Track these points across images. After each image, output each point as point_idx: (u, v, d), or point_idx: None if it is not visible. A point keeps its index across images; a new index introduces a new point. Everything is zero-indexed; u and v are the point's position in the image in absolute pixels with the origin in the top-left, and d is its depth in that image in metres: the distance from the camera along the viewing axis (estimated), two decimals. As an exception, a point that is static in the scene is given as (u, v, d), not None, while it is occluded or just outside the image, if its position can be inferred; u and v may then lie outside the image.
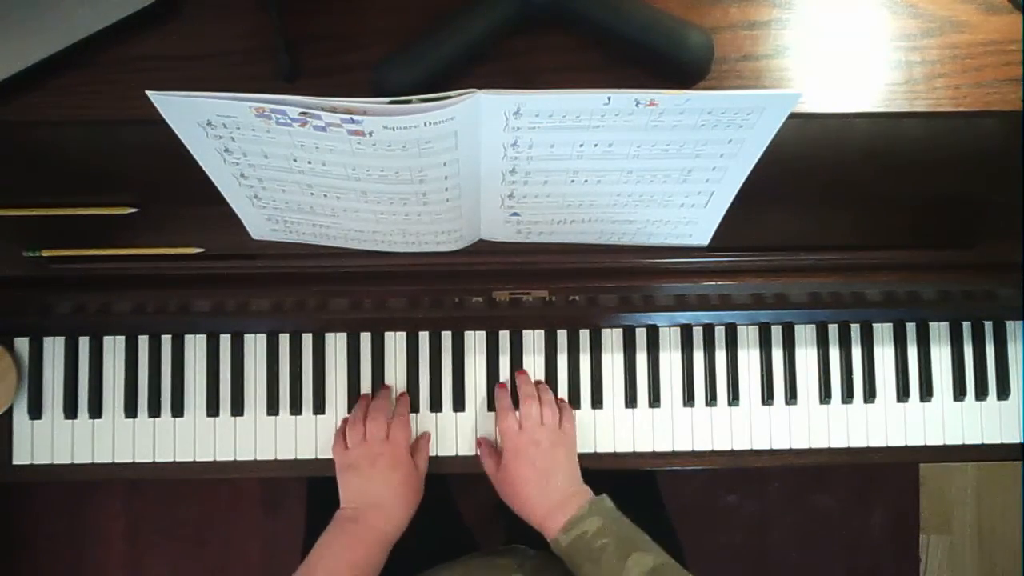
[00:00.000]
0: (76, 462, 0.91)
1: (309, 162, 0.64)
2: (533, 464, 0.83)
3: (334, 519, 0.84)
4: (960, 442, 0.95)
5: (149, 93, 0.57)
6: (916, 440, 0.95)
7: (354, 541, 0.81)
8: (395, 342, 0.93)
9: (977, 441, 0.95)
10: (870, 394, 0.94)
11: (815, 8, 0.71)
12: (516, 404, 0.90)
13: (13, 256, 0.78)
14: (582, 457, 0.88)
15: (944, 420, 0.95)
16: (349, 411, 0.92)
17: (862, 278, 0.83)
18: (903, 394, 0.95)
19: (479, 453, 0.90)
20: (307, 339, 0.93)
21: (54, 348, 0.91)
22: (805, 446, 0.94)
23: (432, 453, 0.92)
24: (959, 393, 0.95)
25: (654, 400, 0.94)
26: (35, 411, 0.91)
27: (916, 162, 0.78)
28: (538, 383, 0.92)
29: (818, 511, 1.71)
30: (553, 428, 0.86)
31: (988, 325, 0.95)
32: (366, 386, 0.93)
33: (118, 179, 0.76)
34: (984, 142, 0.77)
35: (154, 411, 0.91)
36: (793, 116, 0.62)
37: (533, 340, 0.94)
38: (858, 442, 0.94)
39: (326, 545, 0.81)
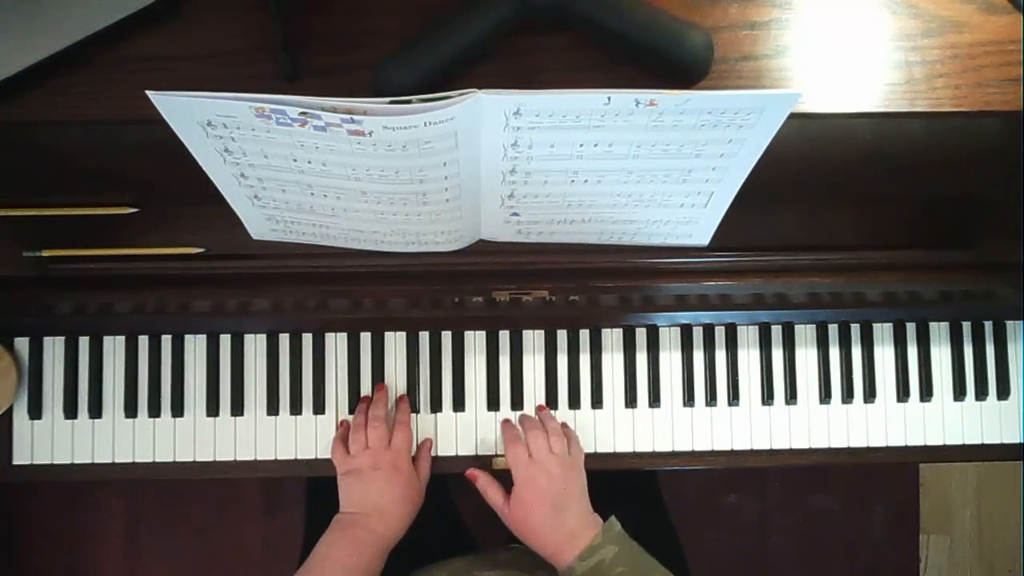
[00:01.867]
0: (76, 462, 0.91)
1: (309, 162, 0.64)
2: (546, 497, 0.81)
3: (333, 522, 0.84)
4: (960, 442, 0.95)
5: (149, 93, 0.57)
6: (916, 440, 0.95)
7: (353, 545, 0.81)
8: (395, 342, 0.93)
9: (977, 441, 0.95)
10: (870, 394, 0.94)
11: (815, 8, 0.71)
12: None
13: (13, 256, 0.78)
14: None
15: (944, 420, 0.95)
16: (349, 411, 0.92)
17: (862, 278, 0.83)
18: (903, 394, 0.95)
19: (478, 486, 0.86)
20: (307, 339, 0.93)
21: (54, 348, 0.91)
22: (805, 446, 0.94)
23: (432, 454, 0.92)
24: (959, 393, 0.95)
25: (654, 400, 0.94)
26: (35, 411, 0.91)
27: (916, 162, 0.78)
28: (540, 408, 0.91)
29: (818, 511, 1.71)
30: (563, 456, 0.84)
31: (988, 325, 0.95)
32: (366, 386, 0.93)
33: (118, 179, 0.76)
34: (984, 142, 0.77)
35: (154, 411, 0.91)
36: (793, 116, 0.62)
37: (533, 340, 0.94)
38: (858, 442, 0.94)
39: (325, 548, 0.81)
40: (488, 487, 0.85)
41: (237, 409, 0.92)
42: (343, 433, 0.89)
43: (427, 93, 0.57)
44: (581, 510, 0.82)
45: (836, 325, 0.95)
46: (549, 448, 0.84)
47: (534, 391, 0.93)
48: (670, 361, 0.94)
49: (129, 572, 1.67)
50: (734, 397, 0.94)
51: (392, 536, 0.83)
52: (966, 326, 0.95)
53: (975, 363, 0.95)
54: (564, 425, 0.90)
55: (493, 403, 0.93)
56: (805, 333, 0.95)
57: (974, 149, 0.77)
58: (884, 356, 0.95)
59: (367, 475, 0.85)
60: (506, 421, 0.92)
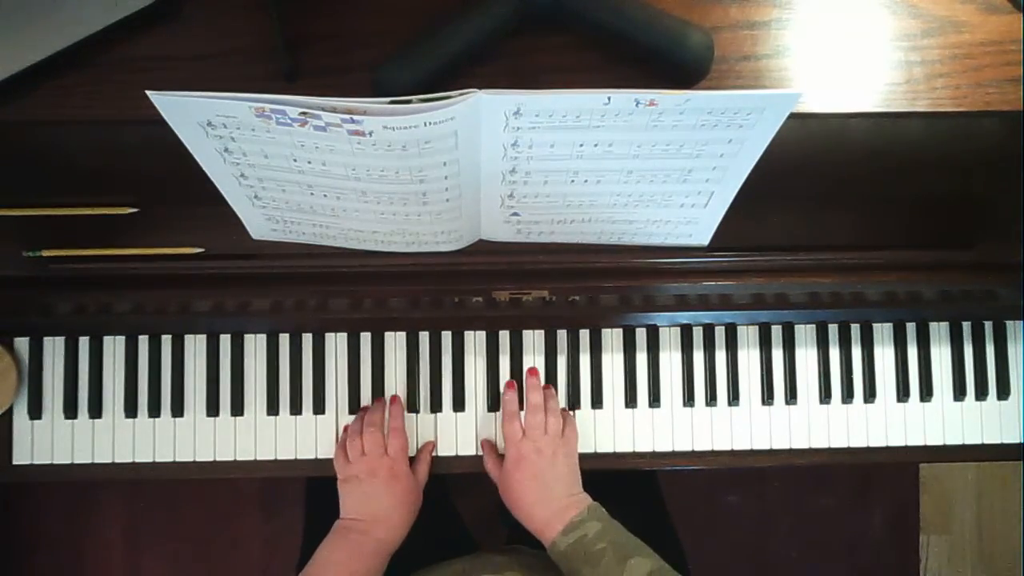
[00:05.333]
0: (76, 462, 0.91)
1: (309, 162, 0.64)
2: (534, 472, 0.83)
3: (334, 529, 0.84)
4: (960, 442, 0.95)
5: (149, 93, 0.57)
6: (916, 440, 0.95)
7: (355, 551, 0.81)
8: (395, 342, 0.93)
9: (977, 441, 0.95)
10: (870, 394, 0.94)
11: (815, 8, 0.71)
12: (521, 404, 0.90)
13: (13, 256, 0.78)
14: (582, 457, 0.88)
15: (944, 420, 0.95)
16: (350, 411, 0.92)
17: (862, 278, 0.83)
18: (903, 394, 0.95)
19: (483, 452, 0.90)
20: (307, 339, 0.93)
21: (54, 348, 0.91)
22: (805, 446, 0.94)
23: (432, 454, 0.92)
24: (959, 393, 0.95)
25: (654, 400, 0.94)
26: (35, 411, 0.91)
27: (916, 162, 0.78)
28: (546, 387, 0.92)
29: (818, 511, 1.71)
30: (555, 436, 0.86)
31: (988, 325, 0.95)
32: (366, 386, 0.93)
33: (118, 179, 0.76)
34: (984, 142, 0.77)
35: (154, 411, 0.91)
36: (793, 116, 0.62)
37: (533, 340, 0.94)
38: (858, 442, 0.94)
39: (326, 553, 0.81)
40: (488, 457, 0.89)
41: (237, 409, 0.92)
42: (344, 439, 0.89)
43: (427, 93, 0.57)
44: (569, 490, 0.84)
45: (836, 325, 0.95)
46: (544, 428, 0.86)
47: (534, 391, 0.93)
48: (670, 361, 0.94)
49: (129, 572, 1.67)
50: (734, 397, 0.94)
51: (393, 541, 0.84)
52: (966, 326, 0.95)
53: (975, 363, 0.95)
54: (564, 410, 0.91)
55: (493, 403, 0.93)
56: (805, 333, 0.95)
57: (974, 149, 0.77)
58: (884, 356, 0.95)
59: (365, 482, 0.85)
60: (510, 386, 0.91)
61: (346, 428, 0.91)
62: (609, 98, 0.59)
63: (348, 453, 0.87)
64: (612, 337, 0.94)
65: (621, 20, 0.67)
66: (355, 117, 0.57)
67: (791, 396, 0.94)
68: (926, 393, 0.94)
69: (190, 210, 0.78)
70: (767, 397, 0.94)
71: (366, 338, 0.93)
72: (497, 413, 0.93)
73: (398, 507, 0.85)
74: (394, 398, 0.92)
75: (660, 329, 0.94)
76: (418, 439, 0.92)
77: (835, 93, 0.70)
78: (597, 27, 0.68)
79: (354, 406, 0.92)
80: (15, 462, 0.91)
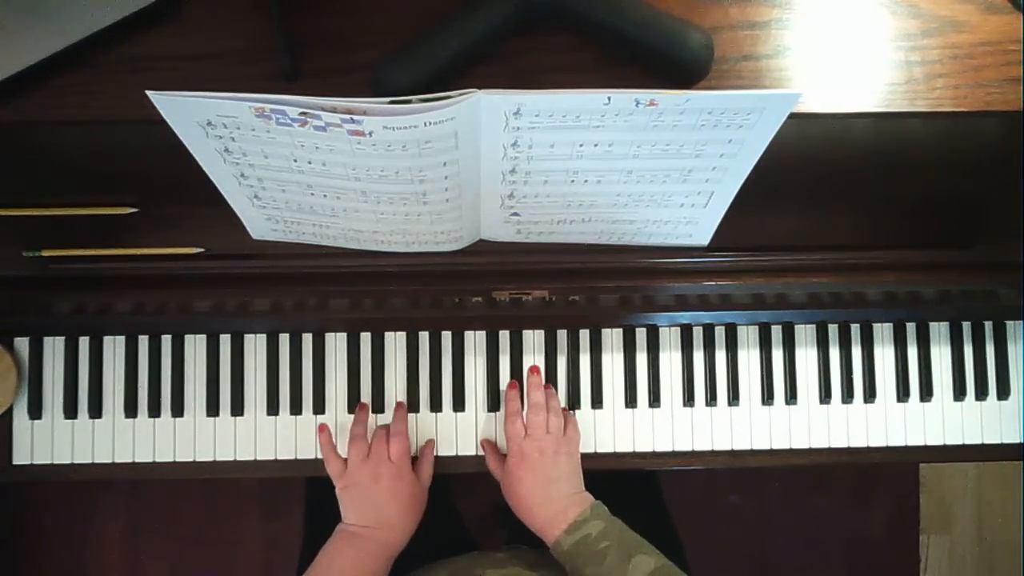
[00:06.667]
0: (76, 462, 0.91)
1: (309, 162, 0.64)
2: (536, 471, 0.83)
3: (337, 532, 0.83)
4: (960, 442, 0.95)
5: (149, 93, 0.57)
6: (916, 440, 0.95)
7: (360, 556, 0.81)
8: (395, 342, 0.93)
9: (977, 441, 0.95)
10: (870, 394, 0.94)
11: (815, 8, 0.71)
12: (522, 403, 0.90)
13: (13, 256, 0.78)
14: (582, 457, 0.88)
15: (944, 420, 0.95)
16: (349, 411, 0.92)
17: (862, 278, 0.83)
18: (903, 394, 0.95)
19: (484, 450, 0.90)
20: (307, 339, 0.93)
21: (54, 348, 0.91)
22: (805, 446, 0.94)
23: (433, 453, 0.92)
24: (959, 393, 0.95)
25: (654, 400, 0.94)
26: (35, 411, 0.91)
27: (916, 162, 0.78)
28: (546, 387, 0.92)
29: (818, 511, 1.71)
30: (558, 436, 0.86)
31: (988, 325, 0.95)
32: (366, 386, 0.93)
33: (118, 179, 0.76)
34: (984, 142, 0.77)
35: (154, 411, 0.91)
36: (793, 116, 0.62)
37: (533, 340, 0.94)
38: (858, 442, 0.94)
39: (328, 559, 0.81)
40: (490, 456, 0.89)
41: (237, 409, 0.92)
42: (333, 443, 0.88)
43: (427, 93, 0.57)
44: (571, 488, 0.84)
45: (836, 325, 0.95)
46: (546, 427, 0.86)
47: (534, 391, 0.93)
48: (670, 361, 0.94)
49: (129, 572, 1.67)
50: (734, 397, 0.94)
51: (398, 545, 0.83)
52: (966, 326, 0.95)
53: (975, 363, 0.95)
54: (565, 409, 0.91)
55: (493, 403, 0.93)
56: (805, 333, 0.95)
57: (974, 149, 0.77)
58: (884, 356, 0.95)
59: (369, 487, 0.84)
60: (512, 387, 0.91)
61: (323, 426, 0.90)
62: (609, 98, 0.59)
63: (349, 458, 0.86)
64: (612, 337, 0.94)
65: (621, 20, 0.67)
66: (355, 117, 0.57)
67: (791, 396, 0.94)
68: (926, 393, 0.94)
69: (190, 210, 0.78)
70: (767, 397, 0.94)
71: (366, 338, 0.93)
72: (497, 413, 0.93)
73: (403, 511, 0.84)
74: (399, 404, 0.92)
75: (660, 329, 0.94)
76: (418, 439, 0.92)
77: (835, 93, 0.70)
78: (597, 27, 0.68)
79: (354, 406, 0.92)
80: (15, 462, 0.91)
